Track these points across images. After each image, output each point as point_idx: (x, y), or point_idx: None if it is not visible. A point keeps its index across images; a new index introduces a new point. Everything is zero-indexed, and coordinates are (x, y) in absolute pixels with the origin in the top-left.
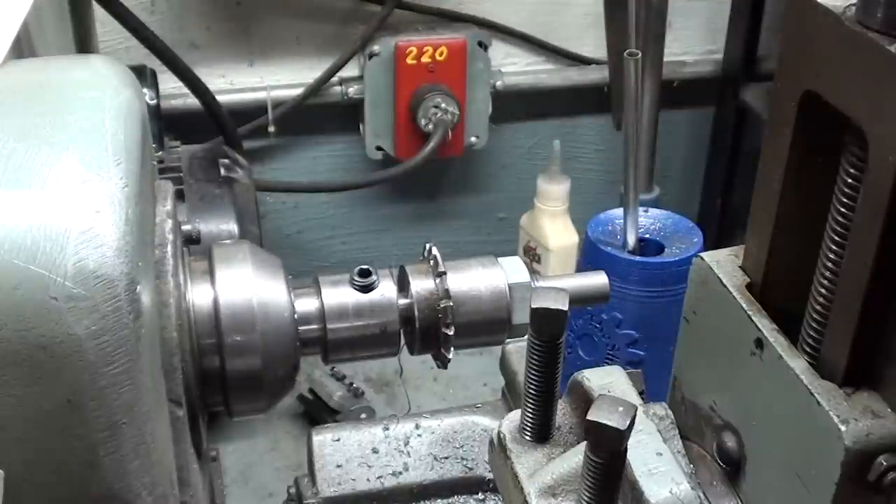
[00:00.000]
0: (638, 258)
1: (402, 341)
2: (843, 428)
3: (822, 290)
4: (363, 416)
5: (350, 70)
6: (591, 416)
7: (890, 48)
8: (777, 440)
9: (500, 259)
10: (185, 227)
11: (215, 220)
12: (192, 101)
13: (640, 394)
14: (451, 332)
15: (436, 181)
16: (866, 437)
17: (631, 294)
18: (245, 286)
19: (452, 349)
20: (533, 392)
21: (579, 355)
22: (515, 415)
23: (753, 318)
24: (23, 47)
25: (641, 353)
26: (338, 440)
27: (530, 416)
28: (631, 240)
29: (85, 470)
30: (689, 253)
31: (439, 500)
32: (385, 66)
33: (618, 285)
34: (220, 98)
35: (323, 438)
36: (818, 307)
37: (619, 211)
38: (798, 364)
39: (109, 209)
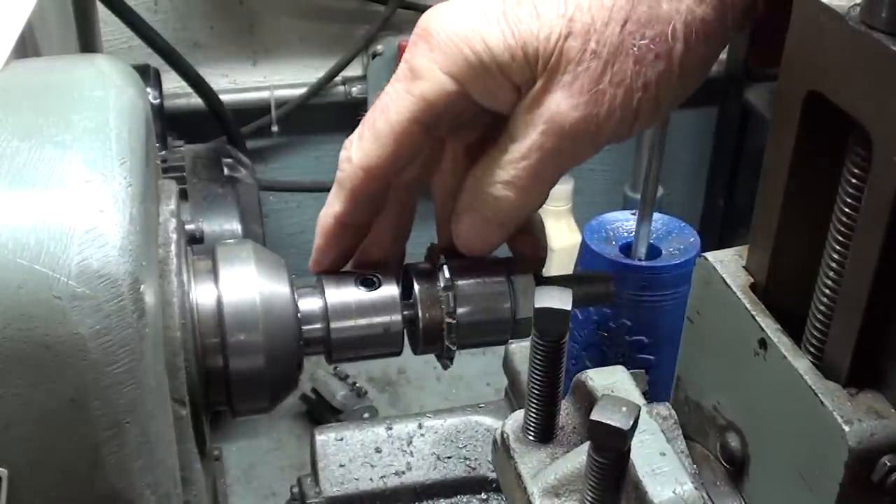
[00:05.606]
0: (645, 263)
1: (406, 341)
2: (846, 428)
3: (826, 290)
4: (366, 415)
5: (353, 70)
6: (594, 417)
7: (894, 48)
8: (780, 440)
9: (503, 259)
10: (189, 227)
11: (219, 219)
12: (196, 101)
13: (644, 394)
14: (454, 332)
15: None
16: (870, 437)
17: (633, 300)
18: (248, 285)
19: (456, 349)
20: (536, 392)
21: (586, 366)
22: (519, 415)
23: (757, 318)
24: (27, 47)
25: (651, 357)
26: (341, 440)
27: (534, 416)
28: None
29: (88, 469)
30: (687, 254)
31: (442, 500)
32: (388, 66)
33: (621, 292)
34: (223, 97)
35: (326, 438)
36: (822, 307)
37: (612, 215)
38: (802, 364)
39: (113, 209)
